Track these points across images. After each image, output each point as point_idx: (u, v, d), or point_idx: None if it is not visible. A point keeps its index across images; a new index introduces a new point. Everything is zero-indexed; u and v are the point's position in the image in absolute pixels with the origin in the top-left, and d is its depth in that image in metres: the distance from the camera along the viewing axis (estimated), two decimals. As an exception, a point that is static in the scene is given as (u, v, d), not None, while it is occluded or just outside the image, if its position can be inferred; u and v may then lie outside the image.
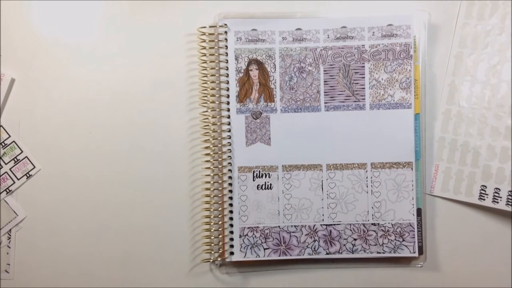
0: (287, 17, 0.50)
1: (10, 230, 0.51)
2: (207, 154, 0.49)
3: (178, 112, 0.51)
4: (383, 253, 0.49)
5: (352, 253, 0.49)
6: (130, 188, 0.51)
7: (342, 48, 0.49)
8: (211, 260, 0.49)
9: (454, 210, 0.50)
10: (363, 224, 0.49)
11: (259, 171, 0.50)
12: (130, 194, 0.51)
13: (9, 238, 0.51)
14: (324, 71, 0.49)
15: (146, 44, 0.51)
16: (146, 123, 0.51)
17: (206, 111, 0.50)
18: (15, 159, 0.51)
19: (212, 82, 0.50)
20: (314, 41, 0.49)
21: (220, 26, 0.50)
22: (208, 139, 0.50)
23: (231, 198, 0.50)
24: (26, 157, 0.51)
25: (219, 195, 0.50)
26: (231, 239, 0.49)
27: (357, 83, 0.49)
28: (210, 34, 0.50)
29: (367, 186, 0.49)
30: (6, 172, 0.52)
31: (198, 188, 0.50)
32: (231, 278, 0.50)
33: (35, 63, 0.52)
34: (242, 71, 0.50)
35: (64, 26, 0.52)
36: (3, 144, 0.52)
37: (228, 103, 0.50)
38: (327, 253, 0.49)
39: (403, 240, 0.49)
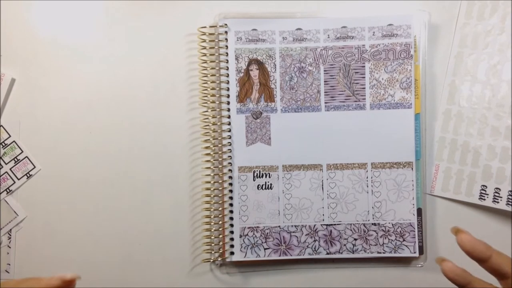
0: (287, 17, 0.50)
1: (10, 230, 0.51)
2: (207, 154, 0.49)
3: (178, 112, 0.51)
4: (384, 253, 0.49)
5: (353, 253, 0.49)
6: (130, 188, 0.51)
7: (343, 48, 0.49)
8: (211, 260, 0.49)
9: (454, 210, 0.50)
10: (364, 224, 0.49)
11: (259, 171, 0.50)
12: (130, 194, 0.51)
13: (9, 238, 0.51)
14: (325, 71, 0.49)
15: (146, 44, 0.51)
16: (146, 123, 0.51)
17: (206, 111, 0.50)
18: (15, 159, 0.51)
19: (212, 82, 0.50)
20: (314, 41, 0.49)
21: (220, 26, 0.50)
22: (208, 139, 0.50)
23: (231, 198, 0.50)
24: (26, 157, 0.51)
25: (219, 195, 0.50)
26: (232, 239, 0.49)
27: (358, 83, 0.49)
28: (210, 34, 0.50)
29: (367, 186, 0.49)
30: (6, 172, 0.52)
31: (198, 188, 0.50)
32: (232, 278, 0.50)
33: (35, 63, 0.52)
34: (242, 71, 0.50)
35: (64, 26, 0.52)
36: (3, 144, 0.52)
37: (228, 103, 0.50)
38: (327, 253, 0.49)
39: (404, 240, 0.49)
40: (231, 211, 0.49)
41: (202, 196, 0.50)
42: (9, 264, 0.51)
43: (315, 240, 0.49)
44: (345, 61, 0.49)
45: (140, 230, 0.51)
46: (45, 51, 0.52)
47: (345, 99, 0.49)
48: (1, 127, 0.52)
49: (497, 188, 0.48)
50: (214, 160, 0.49)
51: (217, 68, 0.50)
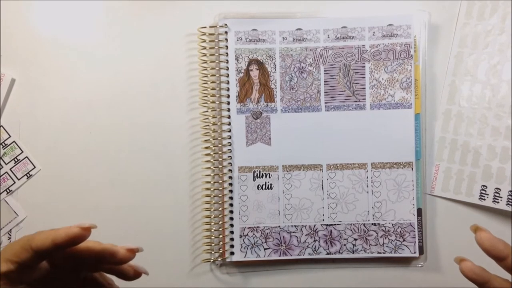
0: (287, 17, 0.50)
1: (11, 230, 0.51)
2: (208, 154, 0.49)
3: (178, 112, 0.51)
4: (384, 253, 0.49)
5: (353, 253, 0.49)
6: (130, 188, 0.51)
7: (343, 48, 0.49)
8: (211, 260, 0.49)
9: (454, 210, 0.50)
10: (364, 224, 0.49)
11: (260, 171, 0.50)
12: (130, 194, 0.51)
13: (9, 238, 0.51)
14: (325, 71, 0.49)
15: (146, 44, 0.51)
16: (146, 123, 0.51)
17: (207, 111, 0.50)
18: (15, 159, 0.51)
19: (213, 82, 0.50)
20: (315, 41, 0.49)
21: (221, 26, 0.50)
22: (209, 139, 0.50)
23: (231, 198, 0.50)
24: (26, 157, 0.51)
25: (220, 195, 0.50)
26: (232, 239, 0.49)
27: (358, 83, 0.49)
28: (210, 34, 0.50)
29: (367, 186, 0.49)
30: (6, 172, 0.52)
31: (199, 188, 0.50)
32: (232, 278, 0.50)
33: (35, 63, 0.52)
34: (243, 71, 0.50)
35: (64, 26, 0.52)
36: (3, 144, 0.52)
37: (228, 103, 0.50)
38: (327, 253, 0.49)
39: (404, 240, 0.49)
40: (231, 211, 0.49)
41: (202, 196, 0.50)
42: (9, 264, 0.51)
43: (315, 240, 0.49)
44: (345, 61, 0.49)
45: (140, 230, 0.51)
46: (45, 51, 0.52)
47: (345, 99, 0.49)
48: (1, 127, 0.52)
49: (497, 188, 0.48)
50: (214, 160, 0.49)
51: (217, 68, 0.50)
